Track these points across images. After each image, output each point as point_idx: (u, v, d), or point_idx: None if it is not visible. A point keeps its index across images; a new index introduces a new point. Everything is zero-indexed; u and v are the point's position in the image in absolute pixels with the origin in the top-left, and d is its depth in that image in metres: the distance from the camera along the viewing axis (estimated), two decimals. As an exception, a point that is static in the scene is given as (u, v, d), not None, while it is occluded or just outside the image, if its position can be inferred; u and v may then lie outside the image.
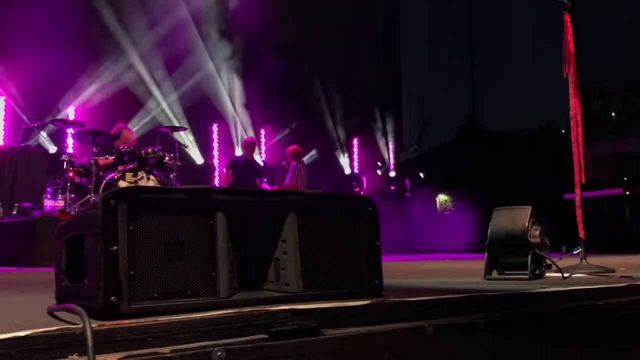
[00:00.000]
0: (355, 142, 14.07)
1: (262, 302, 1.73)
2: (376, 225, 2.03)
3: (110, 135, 7.38)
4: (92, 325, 1.30)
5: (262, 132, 12.32)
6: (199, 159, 11.08)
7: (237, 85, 11.80)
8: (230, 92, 11.72)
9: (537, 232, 2.97)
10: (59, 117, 8.67)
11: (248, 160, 8.85)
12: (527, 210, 3.00)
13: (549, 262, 3.03)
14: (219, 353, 1.38)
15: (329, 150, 13.62)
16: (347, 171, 13.84)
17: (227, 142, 11.63)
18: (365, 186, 12.79)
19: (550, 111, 14.90)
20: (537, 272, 2.97)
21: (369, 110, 14.87)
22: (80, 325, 1.30)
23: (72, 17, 9.22)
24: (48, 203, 7.06)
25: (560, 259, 3.22)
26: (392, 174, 14.76)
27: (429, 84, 17.20)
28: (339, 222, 1.98)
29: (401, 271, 4.10)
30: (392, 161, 14.92)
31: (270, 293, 1.84)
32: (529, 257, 2.92)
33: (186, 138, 10.42)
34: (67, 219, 1.88)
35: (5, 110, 8.62)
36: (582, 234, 3.65)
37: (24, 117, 8.74)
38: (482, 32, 16.83)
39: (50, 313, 1.62)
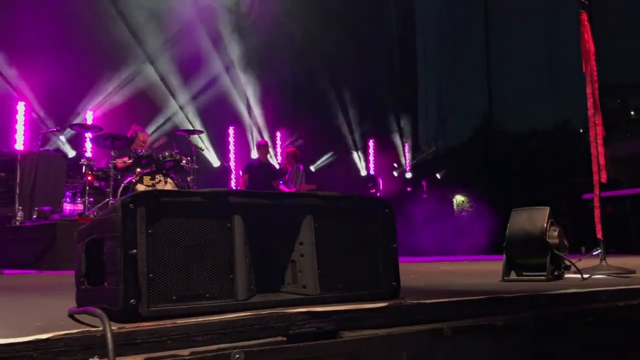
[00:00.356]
0: (371, 143, 14.05)
1: (279, 304, 1.73)
2: (393, 226, 2.03)
3: (127, 138, 7.44)
4: (112, 327, 1.31)
5: (278, 134, 12.35)
6: (215, 162, 11.14)
7: (253, 88, 11.85)
8: (245, 95, 11.77)
9: (556, 233, 2.94)
10: (78, 121, 8.77)
11: (263, 163, 8.87)
12: (546, 211, 2.98)
13: (568, 263, 3.00)
14: (237, 355, 1.39)
15: (344, 151, 13.62)
16: (363, 172, 13.82)
17: (243, 144, 11.68)
18: (381, 187, 12.77)
19: (567, 110, 14.74)
20: (556, 273, 2.94)
21: (385, 112, 14.84)
22: (101, 328, 1.31)
23: (89, 22, 9.33)
24: (67, 207, 7.14)
25: (580, 259, 3.18)
26: (409, 175, 14.72)
27: (445, 84, 17.13)
28: (356, 224, 1.97)
29: (418, 273, 4.08)
30: (408, 162, 14.88)
31: (288, 295, 1.84)
32: (548, 258, 2.89)
33: (202, 141, 10.48)
34: (86, 223, 1.91)
35: (24, 115, 8.73)
36: (600, 235, 3.61)
37: (43, 122, 8.85)
38: (497, 32, 16.72)
39: (71, 316, 1.64)
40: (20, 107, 8.71)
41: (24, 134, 8.66)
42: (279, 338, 1.52)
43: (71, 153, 9.12)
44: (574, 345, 2.03)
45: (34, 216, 7.01)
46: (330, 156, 13.03)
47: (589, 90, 3.73)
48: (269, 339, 1.51)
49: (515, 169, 13.70)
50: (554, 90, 15.45)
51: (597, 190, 3.65)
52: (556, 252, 2.92)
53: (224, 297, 1.67)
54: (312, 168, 12.68)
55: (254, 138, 11.74)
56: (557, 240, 2.93)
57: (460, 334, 1.75)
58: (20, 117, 8.68)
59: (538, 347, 1.94)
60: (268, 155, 9.10)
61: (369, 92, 14.09)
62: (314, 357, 1.52)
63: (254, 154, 11.24)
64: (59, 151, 8.91)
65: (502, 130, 16.54)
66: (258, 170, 8.73)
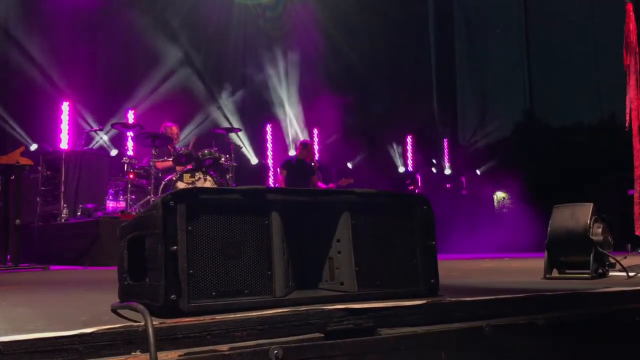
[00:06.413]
0: (409, 139, 13.95)
1: (317, 301, 1.74)
2: (431, 223, 2.01)
3: (167, 137, 7.56)
4: (154, 322, 1.34)
5: (315, 131, 12.37)
6: (253, 159, 11.24)
7: (290, 86, 11.90)
8: (283, 93, 11.83)
9: (600, 230, 2.87)
10: (120, 121, 8.95)
11: (300, 159, 8.89)
12: (589, 207, 2.90)
13: (612, 260, 2.92)
14: (276, 351, 1.40)
15: (382, 148, 13.55)
16: (401, 169, 13.73)
17: (280, 141, 11.75)
18: (420, 184, 12.65)
19: (612, 103, 14.32)
20: (600, 271, 2.87)
21: (423, 107, 14.71)
22: (142, 323, 1.34)
23: (129, 22, 9.51)
24: (110, 204, 7.31)
25: (625, 257, 3.09)
26: (448, 171, 14.55)
27: (485, 78, 16.85)
28: (394, 221, 1.96)
29: (458, 270, 4.04)
30: (447, 158, 14.72)
31: (326, 292, 1.85)
32: (591, 255, 2.82)
33: (241, 139, 10.58)
34: (128, 220, 1.95)
35: (68, 115, 8.96)
36: (638, 232, 3.51)
37: (87, 122, 9.07)
38: (538, 23, 16.36)
39: (114, 311, 1.68)
40: (65, 107, 8.93)
41: (68, 134, 8.88)
42: (317, 334, 1.53)
43: (113, 152, 9.33)
44: (618, 344, 1.98)
45: (79, 213, 7.19)
46: (368, 153, 12.98)
47: (632, 83, 3.62)
48: (307, 335, 1.51)
49: (558, 164, 13.39)
50: (598, 84, 15.03)
51: (638, 186, 3.55)
52: (600, 249, 2.84)
53: (262, 293, 1.69)
54: (350, 165, 12.65)
55: (290, 135, 11.79)
56: (601, 237, 2.86)
57: (501, 332, 1.72)
58: (64, 117, 8.91)
59: (580, 347, 1.89)
60: (307, 154, 9.05)
61: (407, 88, 13.97)
62: (351, 354, 1.52)
63: (292, 152, 11.31)
64: (102, 150, 9.12)
65: (545, 125, 16.19)
66: (295, 167, 8.77)
